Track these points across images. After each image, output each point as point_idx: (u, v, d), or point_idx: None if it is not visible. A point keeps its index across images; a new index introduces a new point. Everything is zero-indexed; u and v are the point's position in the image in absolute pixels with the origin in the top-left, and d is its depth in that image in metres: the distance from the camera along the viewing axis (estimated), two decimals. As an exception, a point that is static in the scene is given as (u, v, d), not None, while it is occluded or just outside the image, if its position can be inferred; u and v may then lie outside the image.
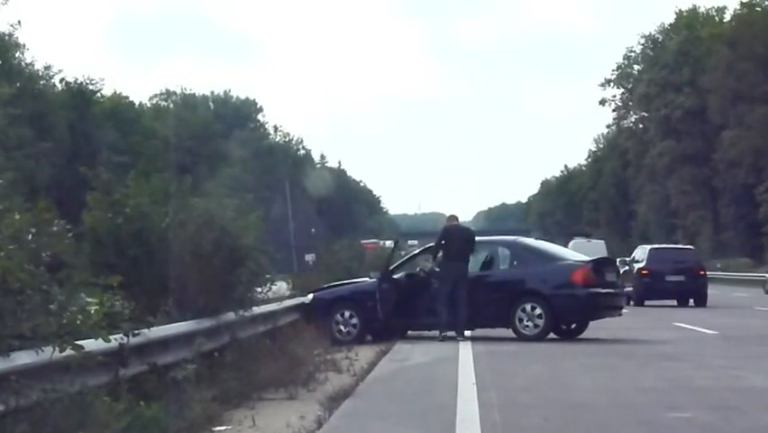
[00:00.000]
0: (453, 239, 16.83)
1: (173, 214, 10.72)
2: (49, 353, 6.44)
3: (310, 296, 17.82)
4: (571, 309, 16.57)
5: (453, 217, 17.55)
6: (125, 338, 7.97)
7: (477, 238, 17.30)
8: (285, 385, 10.28)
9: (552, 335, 16.62)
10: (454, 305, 16.36)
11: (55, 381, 6.45)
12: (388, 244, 35.80)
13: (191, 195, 11.37)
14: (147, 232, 10.45)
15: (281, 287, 21.64)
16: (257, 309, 12.54)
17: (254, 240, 11.62)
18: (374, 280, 17.31)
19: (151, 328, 8.73)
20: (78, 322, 6.77)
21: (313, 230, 70.41)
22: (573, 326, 17.16)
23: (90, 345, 6.98)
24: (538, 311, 16.33)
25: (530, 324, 16.35)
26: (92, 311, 7.66)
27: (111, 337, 7.59)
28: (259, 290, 12.29)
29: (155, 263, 10.32)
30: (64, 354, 6.48)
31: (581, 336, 17.07)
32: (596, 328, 17.39)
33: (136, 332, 8.22)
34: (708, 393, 9.99)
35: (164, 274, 10.28)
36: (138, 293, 10.06)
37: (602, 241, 43.33)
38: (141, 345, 8.39)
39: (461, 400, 9.46)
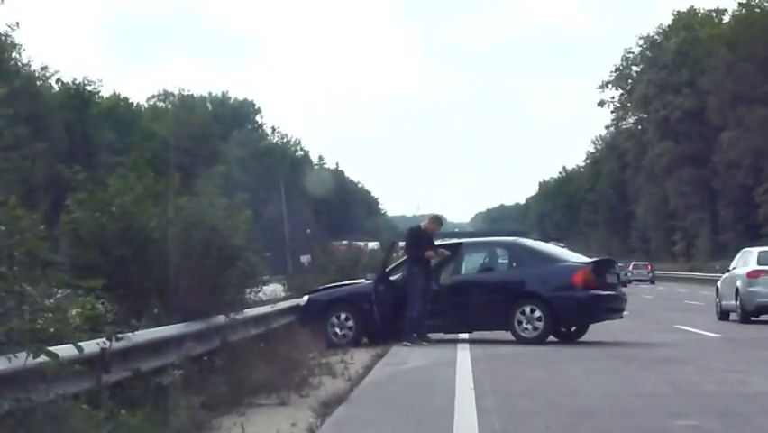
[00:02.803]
0: None
1: (162, 213, 10.41)
2: (23, 359, 6.12)
3: (305, 298, 17.52)
4: (571, 312, 16.29)
5: (431, 218, 17.40)
6: (108, 342, 7.68)
7: (475, 239, 17.03)
8: (277, 390, 9.98)
9: (551, 337, 16.35)
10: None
11: (30, 388, 6.12)
12: (371, 245, 34.98)
13: (181, 194, 11.07)
14: (134, 231, 10.14)
15: (276, 289, 21.42)
16: (249, 312, 12.25)
17: (245, 240, 11.31)
18: (370, 281, 17.04)
19: (136, 332, 8.42)
20: (55, 328, 6.44)
21: (309, 231, 70.16)
22: (573, 328, 16.91)
23: (69, 349, 6.66)
24: (538, 313, 16.05)
25: (529, 326, 16.07)
26: (73, 314, 7.34)
27: (93, 342, 7.29)
28: (249, 291, 11.98)
29: (141, 264, 10.02)
30: (39, 360, 6.16)
31: (582, 338, 16.82)
32: (596, 331, 17.13)
33: (120, 336, 7.92)
34: (714, 399, 9.71)
35: (151, 275, 9.99)
36: (123, 295, 9.75)
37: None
38: (125, 350, 8.10)
39: (458, 405, 9.21)
